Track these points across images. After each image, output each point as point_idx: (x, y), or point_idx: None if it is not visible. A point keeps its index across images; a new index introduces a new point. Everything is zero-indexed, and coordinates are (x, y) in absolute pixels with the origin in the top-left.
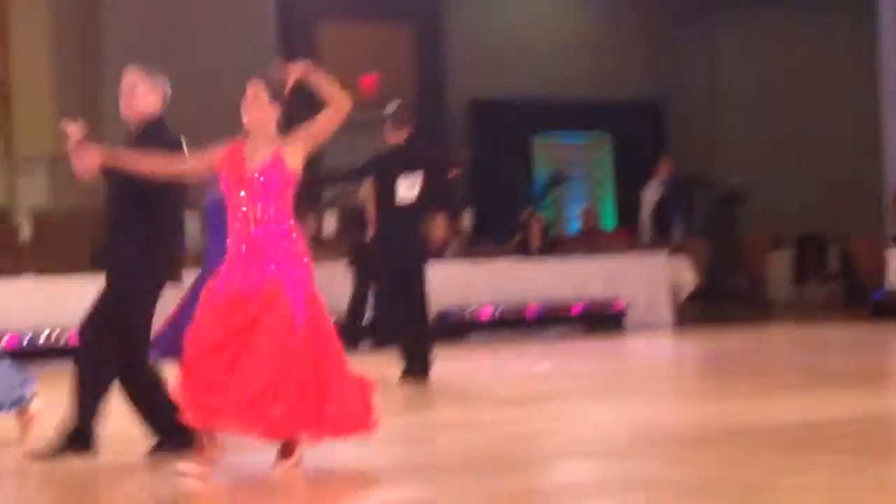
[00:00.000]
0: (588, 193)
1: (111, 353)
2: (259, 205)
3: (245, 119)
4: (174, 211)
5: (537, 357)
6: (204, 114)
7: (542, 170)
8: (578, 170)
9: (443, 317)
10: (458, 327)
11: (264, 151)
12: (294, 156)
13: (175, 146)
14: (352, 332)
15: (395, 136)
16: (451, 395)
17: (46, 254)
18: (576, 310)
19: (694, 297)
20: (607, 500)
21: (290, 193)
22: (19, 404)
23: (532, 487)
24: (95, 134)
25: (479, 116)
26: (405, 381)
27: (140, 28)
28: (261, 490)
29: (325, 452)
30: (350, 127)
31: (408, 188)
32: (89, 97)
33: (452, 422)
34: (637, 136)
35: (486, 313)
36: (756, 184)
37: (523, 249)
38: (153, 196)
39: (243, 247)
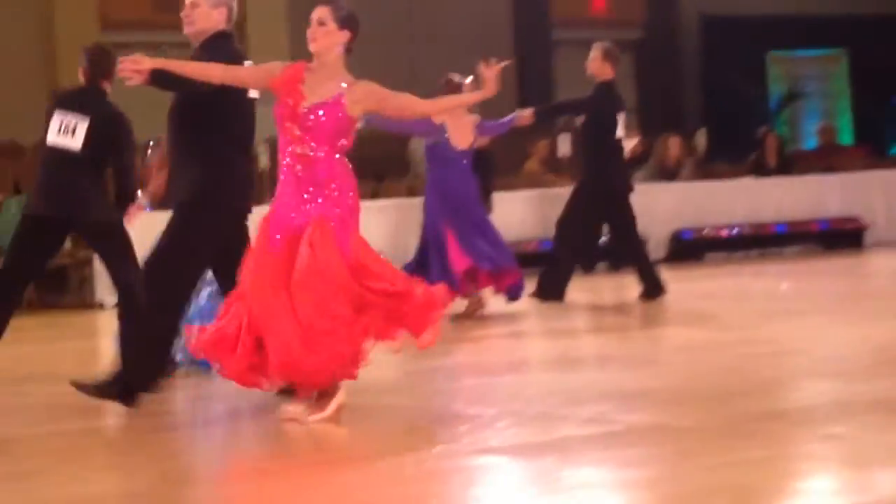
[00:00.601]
0: (824, 109)
1: (177, 297)
2: (309, 144)
3: (310, 47)
4: (240, 136)
5: (776, 277)
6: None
7: (777, 86)
8: (814, 85)
9: (679, 238)
10: (695, 248)
11: (326, 89)
12: (356, 105)
13: (237, 59)
14: (587, 254)
15: (604, 71)
16: (689, 317)
17: None
18: (814, 228)
19: None
20: (850, 422)
21: (345, 138)
22: None
23: (774, 410)
24: None
25: (712, 33)
26: (541, 300)
27: None
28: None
29: (550, 377)
30: (581, 45)
31: (623, 126)
32: None
33: (691, 343)
34: (875, 50)
35: (723, 233)
36: None
37: (759, 168)
38: (215, 121)
39: (291, 185)
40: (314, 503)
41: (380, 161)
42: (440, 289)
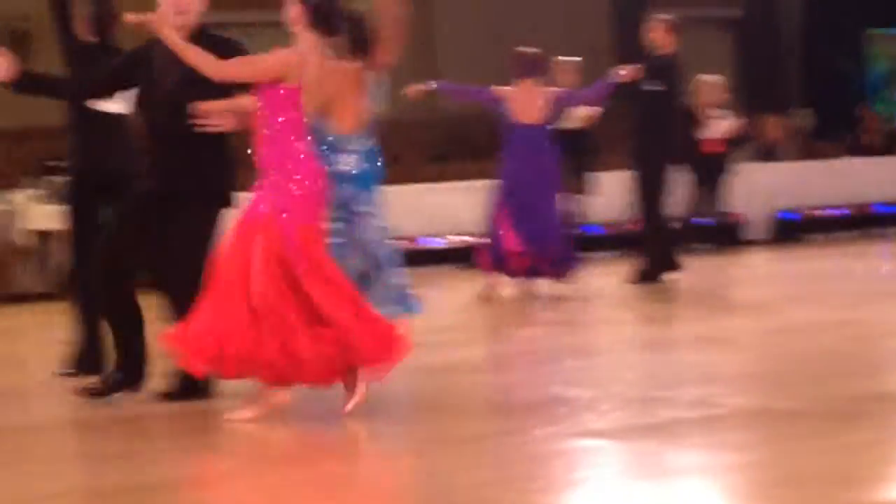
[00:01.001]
0: None
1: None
2: (265, 120)
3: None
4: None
5: (878, 258)
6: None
7: (878, 64)
8: None
9: (779, 218)
10: (796, 229)
11: None
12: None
13: (240, 47)
14: (685, 232)
15: (667, 43)
16: (790, 298)
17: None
18: None
19: None
20: None
21: (291, 111)
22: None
23: (878, 392)
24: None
25: (812, 11)
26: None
27: None
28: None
29: (650, 358)
30: (681, 24)
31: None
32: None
33: (792, 325)
34: None
35: (824, 213)
36: None
37: (860, 147)
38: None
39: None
40: (415, 484)
41: (485, 141)
42: (400, 339)
